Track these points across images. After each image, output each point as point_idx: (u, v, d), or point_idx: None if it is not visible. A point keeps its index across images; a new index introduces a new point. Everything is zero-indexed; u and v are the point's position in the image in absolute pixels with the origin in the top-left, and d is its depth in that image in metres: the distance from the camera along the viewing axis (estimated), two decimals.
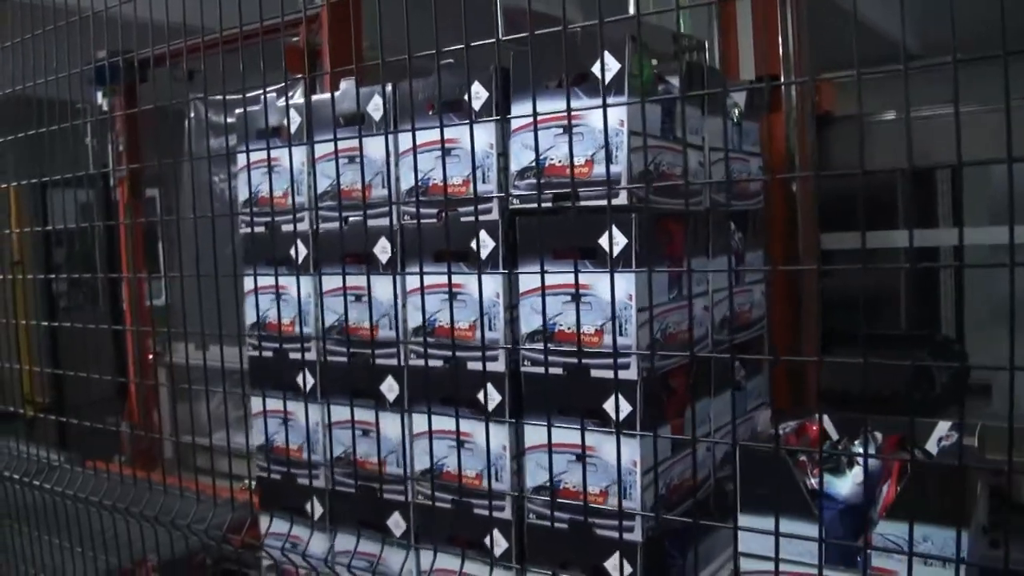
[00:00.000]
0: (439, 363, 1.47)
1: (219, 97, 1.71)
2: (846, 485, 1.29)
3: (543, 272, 1.28)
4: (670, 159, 1.38)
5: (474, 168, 1.41)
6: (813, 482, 1.26)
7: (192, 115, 2.96)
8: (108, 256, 3.72)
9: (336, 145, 1.51)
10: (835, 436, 1.47)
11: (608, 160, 1.28)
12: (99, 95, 3.16)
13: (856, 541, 1.22)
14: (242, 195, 1.71)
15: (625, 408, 1.31)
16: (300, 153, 1.62)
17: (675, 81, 1.44)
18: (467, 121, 1.39)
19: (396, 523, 1.56)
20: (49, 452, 1.55)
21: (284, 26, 1.59)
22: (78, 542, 1.31)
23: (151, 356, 3.32)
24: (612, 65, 1.26)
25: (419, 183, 1.48)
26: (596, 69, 1.28)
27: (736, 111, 1.60)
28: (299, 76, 2.16)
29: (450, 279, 1.41)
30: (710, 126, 1.51)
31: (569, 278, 1.32)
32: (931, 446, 1.44)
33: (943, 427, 1.44)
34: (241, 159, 1.70)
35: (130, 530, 1.59)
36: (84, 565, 1.40)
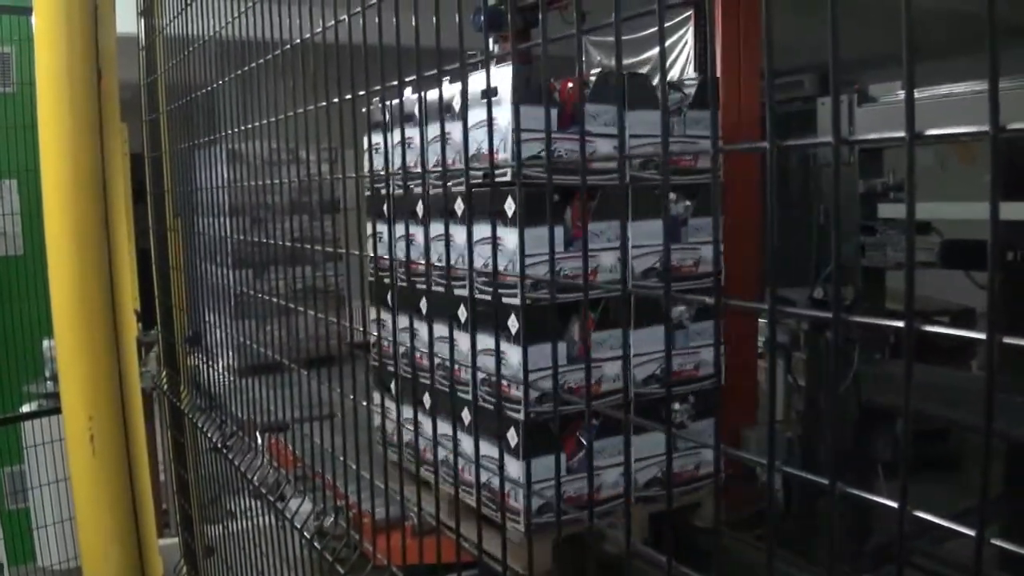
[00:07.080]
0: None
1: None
2: None
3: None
4: (568, 146, 1.86)
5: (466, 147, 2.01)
6: None
7: None
8: None
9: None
10: None
11: (501, 151, 1.81)
12: (490, 41, 3.76)
13: None
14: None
15: (515, 325, 1.85)
16: None
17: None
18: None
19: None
20: None
21: None
22: None
23: None
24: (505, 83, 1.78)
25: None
26: (496, 84, 1.81)
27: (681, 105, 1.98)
28: None
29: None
30: (640, 118, 1.93)
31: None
32: None
33: None
34: None
35: None
36: None
